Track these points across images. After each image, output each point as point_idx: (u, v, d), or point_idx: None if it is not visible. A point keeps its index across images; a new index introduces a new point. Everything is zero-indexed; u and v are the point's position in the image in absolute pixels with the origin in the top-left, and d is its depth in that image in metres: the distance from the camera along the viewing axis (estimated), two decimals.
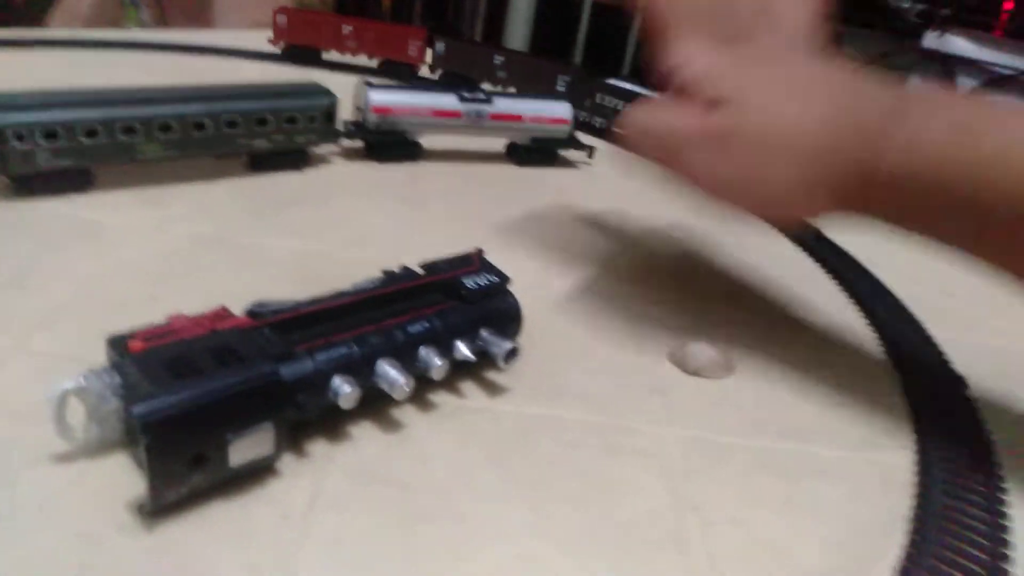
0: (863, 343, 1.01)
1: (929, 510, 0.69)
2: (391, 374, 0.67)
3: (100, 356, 0.63)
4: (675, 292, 1.07)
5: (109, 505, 0.58)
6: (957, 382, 0.92)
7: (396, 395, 0.67)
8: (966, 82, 3.06)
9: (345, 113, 1.34)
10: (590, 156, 1.54)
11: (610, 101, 1.67)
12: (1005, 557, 0.65)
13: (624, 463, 0.72)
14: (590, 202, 1.36)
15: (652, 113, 0.80)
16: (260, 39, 1.99)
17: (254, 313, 0.69)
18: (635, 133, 0.80)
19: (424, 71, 1.98)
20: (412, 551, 0.58)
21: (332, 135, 1.29)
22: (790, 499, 0.71)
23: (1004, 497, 0.72)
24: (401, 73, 1.95)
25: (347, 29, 1.91)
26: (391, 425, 0.71)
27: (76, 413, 0.59)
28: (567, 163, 1.54)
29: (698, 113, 0.74)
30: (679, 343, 0.91)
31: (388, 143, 1.37)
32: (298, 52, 1.96)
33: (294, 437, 0.66)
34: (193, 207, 1.10)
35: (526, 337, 0.84)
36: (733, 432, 0.79)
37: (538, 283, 1.03)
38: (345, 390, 0.63)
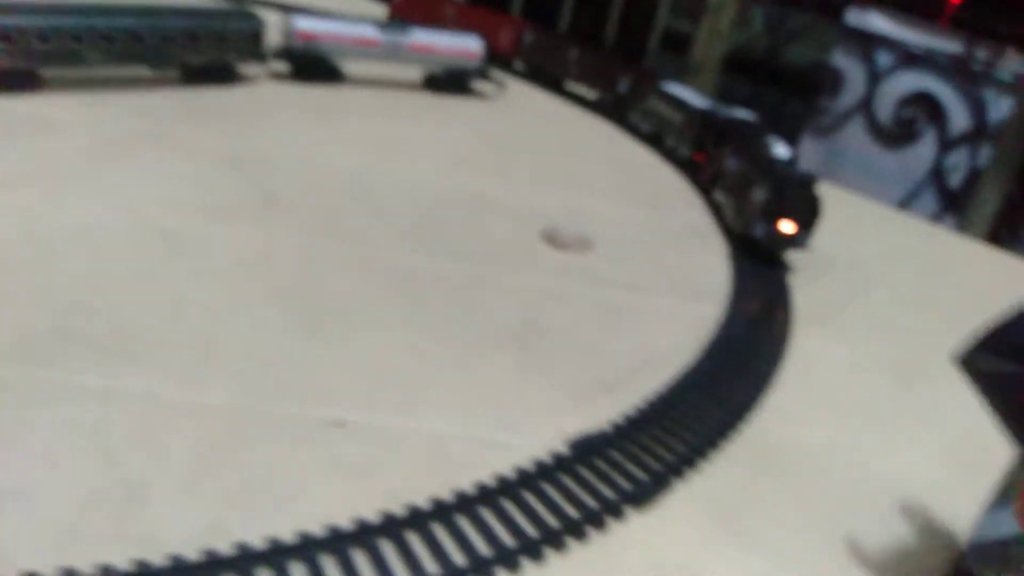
0: (708, 230, 1.20)
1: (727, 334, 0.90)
2: None
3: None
4: (550, 186, 1.25)
5: None
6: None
7: None
8: (883, 59, 3.29)
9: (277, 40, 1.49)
10: (498, 88, 1.70)
11: (660, 108, 1.55)
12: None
13: (490, 297, 0.90)
14: (494, 124, 1.53)
15: None
16: None
17: None
18: None
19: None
20: None
21: (259, 56, 1.43)
22: (617, 324, 0.89)
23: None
24: (494, 61, 1.76)
25: (451, 12, 1.92)
26: None
27: None
28: (478, 95, 1.70)
29: None
30: (551, 226, 1.09)
31: (312, 66, 1.51)
32: None
33: None
34: (134, 109, 1.24)
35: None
36: (581, 286, 0.97)
37: (439, 181, 1.20)
38: None
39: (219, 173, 1.08)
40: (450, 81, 1.64)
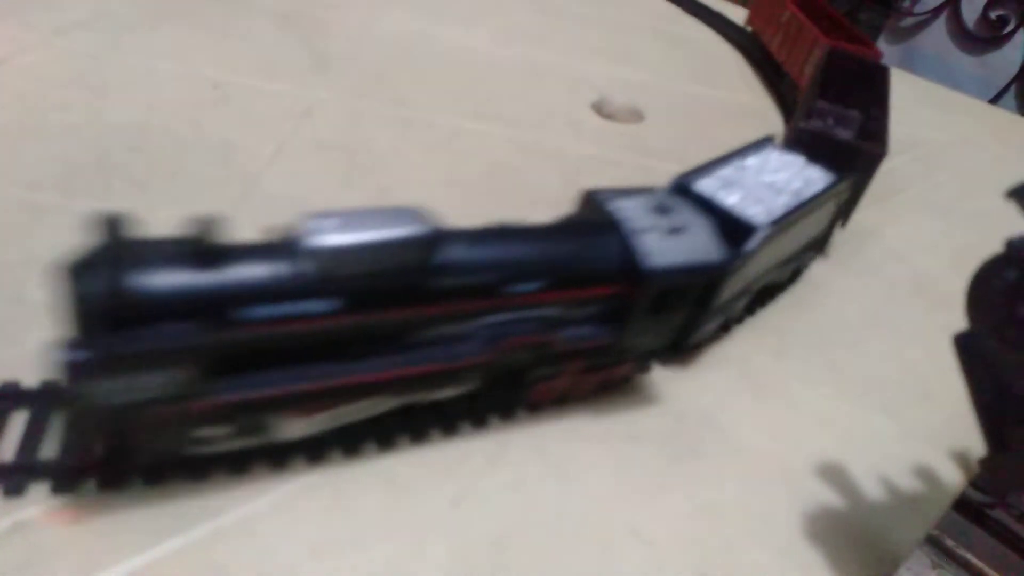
0: (765, 111, 1.16)
1: None
2: None
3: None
4: (605, 60, 1.21)
5: None
6: None
7: None
8: None
9: None
10: None
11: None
12: None
13: (533, 160, 0.89)
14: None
15: None
16: None
17: None
18: None
19: None
20: None
21: None
22: None
23: None
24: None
25: None
26: None
27: None
28: None
29: None
30: (601, 96, 1.06)
31: None
32: None
33: None
34: None
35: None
36: (627, 154, 0.95)
37: (491, 48, 1.17)
38: None
39: (272, 32, 1.07)
40: None
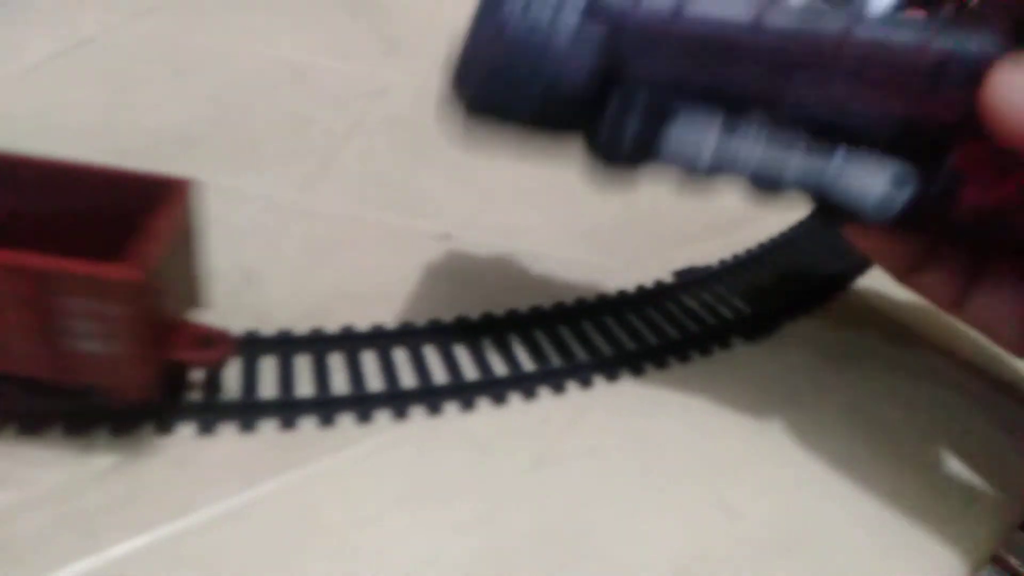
0: None
1: None
2: None
3: None
4: None
5: None
6: None
7: None
8: None
9: None
10: None
11: None
12: None
13: None
14: None
15: None
16: None
17: None
18: None
19: None
20: None
21: None
22: None
23: None
24: None
25: None
26: None
27: None
28: None
29: None
30: None
31: None
32: None
33: None
34: None
35: None
36: None
37: None
38: None
39: (344, 18, 1.09)
40: None
